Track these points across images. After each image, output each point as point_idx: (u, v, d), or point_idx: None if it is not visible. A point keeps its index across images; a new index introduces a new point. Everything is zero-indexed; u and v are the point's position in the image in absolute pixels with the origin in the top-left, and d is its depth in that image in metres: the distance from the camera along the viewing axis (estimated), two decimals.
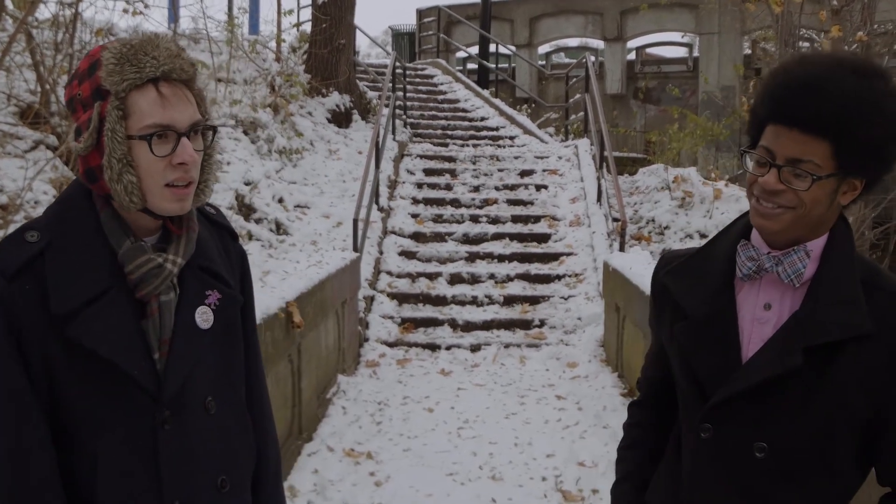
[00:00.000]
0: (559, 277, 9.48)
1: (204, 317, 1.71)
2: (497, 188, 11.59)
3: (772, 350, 1.68)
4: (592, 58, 14.54)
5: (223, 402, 1.77)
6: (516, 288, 9.36)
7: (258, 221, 9.13)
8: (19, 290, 1.54)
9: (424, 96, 16.68)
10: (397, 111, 13.46)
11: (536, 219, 10.79)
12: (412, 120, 14.91)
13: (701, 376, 1.76)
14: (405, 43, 25.61)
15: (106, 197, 1.63)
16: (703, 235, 9.77)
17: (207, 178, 1.72)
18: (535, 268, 9.72)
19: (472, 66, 21.28)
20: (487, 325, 8.73)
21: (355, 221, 8.61)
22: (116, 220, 1.63)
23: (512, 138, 14.58)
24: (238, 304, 1.82)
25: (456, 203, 11.19)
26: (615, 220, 9.79)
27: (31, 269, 1.55)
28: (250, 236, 8.66)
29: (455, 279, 9.50)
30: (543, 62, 23.99)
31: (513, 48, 21.48)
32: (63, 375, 1.57)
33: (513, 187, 11.64)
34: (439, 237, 10.34)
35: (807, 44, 15.56)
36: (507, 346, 8.34)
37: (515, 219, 10.78)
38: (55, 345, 1.55)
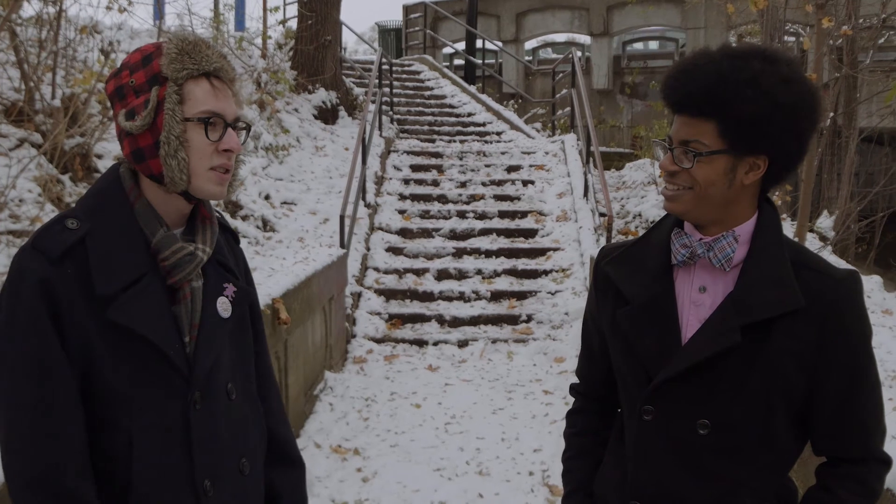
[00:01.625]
0: (546, 272, 9.50)
1: (224, 306, 1.83)
2: (484, 184, 11.60)
3: (710, 330, 1.76)
4: (579, 53, 14.55)
5: (240, 389, 1.88)
6: (503, 283, 9.37)
7: (244, 218, 9.11)
8: (62, 273, 1.62)
9: (411, 92, 16.66)
10: (384, 107, 13.45)
11: (523, 214, 10.80)
12: (399, 116, 14.90)
13: (643, 359, 1.83)
14: (392, 39, 25.58)
15: (139, 187, 1.76)
16: None
17: (237, 172, 1.86)
18: (523, 263, 9.73)
19: (458, 62, 21.25)
20: (475, 321, 8.74)
21: (342, 218, 8.60)
22: (150, 210, 1.74)
23: (499, 134, 14.58)
24: (250, 299, 1.95)
25: (443, 199, 11.19)
26: (602, 214, 9.81)
27: (73, 254, 1.64)
28: (236, 233, 8.64)
29: (442, 275, 9.50)
30: (530, 58, 24.01)
31: (499, 44, 21.50)
32: (101, 357, 1.64)
33: (500, 183, 11.64)
34: (426, 233, 10.34)
35: (792, 38, 15.62)
36: (494, 341, 8.35)
37: (502, 214, 10.79)
38: (94, 327, 1.64)
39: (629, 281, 1.89)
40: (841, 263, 7.44)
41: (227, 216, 8.67)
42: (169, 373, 1.71)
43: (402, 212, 10.76)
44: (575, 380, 2.19)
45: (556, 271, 9.45)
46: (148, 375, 1.69)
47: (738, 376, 1.73)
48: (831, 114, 12.35)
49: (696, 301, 1.81)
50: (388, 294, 9.15)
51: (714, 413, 1.76)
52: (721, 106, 1.69)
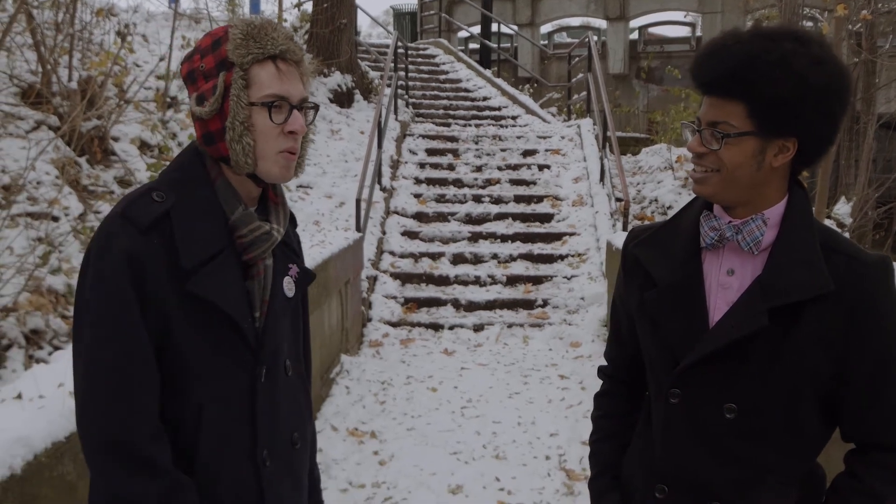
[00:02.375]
0: (562, 257, 9.47)
1: (289, 286, 1.87)
2: (500, 168, 11.57)
3: (738, 313, 1.74)
4: (595, 37, 14.47)
5: (295, 367, 1.94)
6: (519, 268, 9.35)
7: None
8: (149, 243, 1.66)
9: (426, 76, 16.62)
10: (399, 91, 13.40)
11: (539, 199, 10.77)
12: (414, 100, 14.86)
13: (671, 342, 1.82)
14: (407, 23, 25.53)
15: (219, 164, 1.79)
16: None
17: (303, 153, 1.87)
18: (538, 248, 9.72)
19: (474, 45, 21.18)
20: (490, 305, 8.73)
21: (358, 201, 8.60)
22: (230, 188, 1.79)
23: (514, 118, 14.53)
24: (310, 281, 1.99)
25: (458, 183, 11.17)
26: (618, 199, 9.77)
27: (159, 226, 1.68)
28: (294, 217, 8.65)
29: (458, 259, 9.49)
30: (546, 42, 23.91)
31: (515, 27, 21.39)
32: (178, 326, 1.68)
33: (515, 167, 11.62)
34: (442, 217, 10.33)
35: (810, 23, 15.51)
36: (510, 325, 8.34)
37: (518, 199, 10.76)
38: (174, 297, 1.67)
39: (658, 263, 1.88)
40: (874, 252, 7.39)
41: None
42: (240, 346, 1.76)
43: (417, 196, 10.75)
44: (597, 364, 2.18)
45: (572, 256, 9.43)
46: (221, 347, 1.74)
47: (765, 360, 1.72)
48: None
49: (724, 284, 1.79)
50: (404, 278, 9.15)
51: (740, 397, 1.74)
52: (750, 87, 1.66)
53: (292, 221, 2.04)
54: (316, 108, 1.87)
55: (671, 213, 2.07)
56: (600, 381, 2.19)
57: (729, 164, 1.71)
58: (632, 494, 1.97)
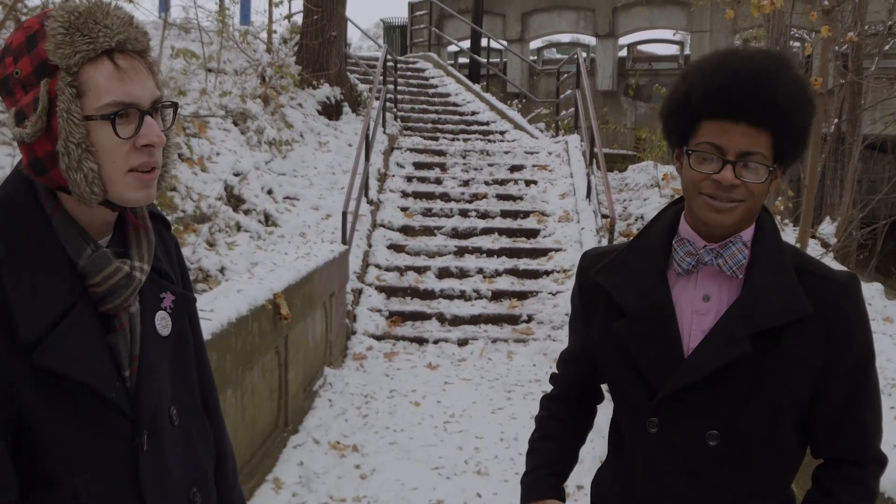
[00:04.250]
0: (547, 273, 9.49)
1: (163, 323, 1.56)
2: (487, 183, 11.58)
3: (718, 339, 1.73)
4: (584, 54, 14.53)
5: (183, 409, 1.65)
6: (504, 283, 9.36)
7: (247, 212, 9.11)
8: None
9: (415, 90, 16.65)
10: (388, 104, 13.42)
11: (525, 214, 10.79)
12: (403, 113, 14.88)
13: (644, 371, 1.80)
14: (397, 36, 25.55)
15: (55, 195, 1.45)
16: None
17: (167, 163, 1.52)
18: (524, 263, 9.72)
19: (463, 60, 21.22)
20: (475, 320, 8.73)
21: (344, 214, 8.60)
22: (71, 225, 1.44)
23: (502, 133, 14.57)
24: (191, 305, 1.68)
25: (445, 197, 11.17)
26: (604, 216, 9.80)
27: None
28: (239, 227, 8.63)
29: (443, 273, 9.49)
30: (535, 57, 23.97)
31: (504, 43, 21.45)
32: (34, 408, 1.38)
33: (502, 182, 11.63)
34: (428, 231, 10.33)
35: (797, 43, 15.61)
36: (494, 340, 8.34)
37: (505, 214, 10.78)
38: (22, 374, 1.36)
39: (624, 290, 1.84)
40: (841, 269, 7.42)
41: (230, 209, 8.67)
42: (111, 416, 1.46)
43: (404, 209, 10.75)
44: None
45: (558, 272, 9.44)
46: (88, 423, 1.44)
47: (747, 386, 1.72)
48: (836, 120, 12.33)
49: (700, 310, 1.78)
50: (389, 291, 9.14)
51: (723, 424, 1.74)
52: (787, 119, 1.65)
53: (164, 224, 1.70)
54: (174, 106, 1.51)
55: None
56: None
57: (757, 196, 1.70)
58: None
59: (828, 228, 11.41)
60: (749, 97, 1.64)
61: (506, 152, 12.68)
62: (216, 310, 4.32)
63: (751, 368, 1.71)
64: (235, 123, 10.60)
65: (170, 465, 1.57)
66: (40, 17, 1.40)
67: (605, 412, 2.03)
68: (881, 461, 1.79)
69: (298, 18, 14.02)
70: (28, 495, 1.41)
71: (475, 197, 11.16)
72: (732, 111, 1.65)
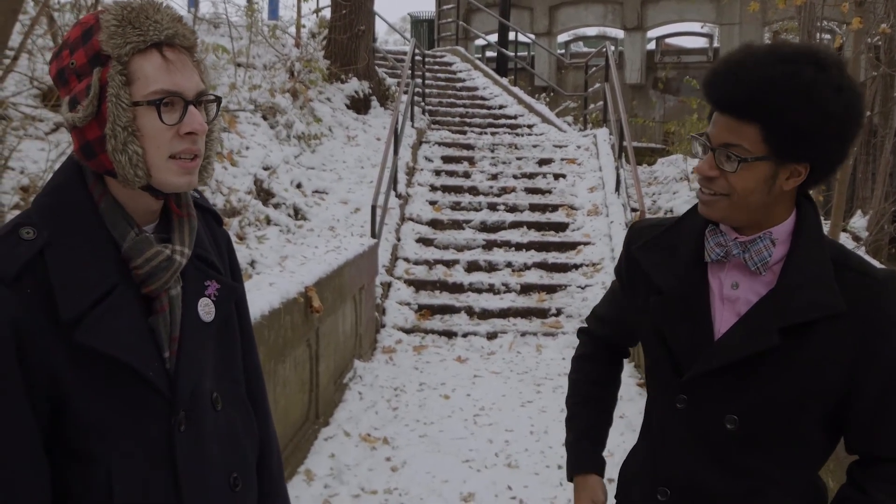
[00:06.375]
0: (576, 266, 9.47)
1: (206, 309, 1.61)
2: (515, 176, 11.58)
3: (748, 328, 1.74)
4: (612, 47, 14.48)
5: (227, 396, 1.69)
6: (533, 276, 9.36)
7: (276, 206, 9.15)
8: (20, 295, 1.39)
9: (443, 83, 16.65)
10: (416, 98, 13.43)
11: (554, 208, 10.77)
12: (430, 107, 14.88)
13: (675, 350, 1.82)
14: (424, 30, 25.57)
15: (103, 181, 1.52)
16: None
17: (209, 154, 1.60)
18: (553, 256, 9.72)
19: (490, 53, 21.19)
20: (504, 313, 8.74)
21: (373, 208, 8.62)
22: (118, 209, 1.51)
23: (530, 127, 14.53)
24: (236, 295, 1.71)
25: (474, 191, 11.18)
26: (633, 210, 9.76)
27: (31, 271, 1.41)
28: (269, 221, 8.68)
29: (472, 267, 9.50)
30: (563, 51, 23.91)
31: (532, 36, 21.41)
32: (72, 386, 1.43)
33: (531, 176, 11.62)
34: (457, 224, 10.34)
35: (828, 35, 15.47)
36: (523, 334, 8.34)
37: (533, 207, 10.77)
38: (62, 352, 1.41)
39: (661, 271, 1.87)
40: (881, 266, 7.36)
41: (260, 203, 8.71)
42: (149, 396, 1.50)
43: (432, 203, 10.76)
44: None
45: (587, 265, 9.42)
46: (126, 400, 1.48)
47: (772, 376, 1.72)
48: (868, 113, 12.23)
49: (730, 297, 1.79)
50: (418, 285, 9.16)
51: (743, 410, 1.75)
52: (769, 112, 1.64)
53: (216, 218, 1.78)
54: (218, 100, 1.61)
55: None
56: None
57: (740, 191, 1.69)
58: (631, 490, 2.00)
59: (859, 222, 11.31)
60: (719, 87, 1.69)
61: (534, 146, 12.66)
62: (249, 303, 4.35)
63: (777, 360, 1.71)
64: (265, 118, 10.65)
65: (210, 448, 1.60)
66: (96, 14, 1.49)
67: (636, 404, 2.04)
68: None
69: (327, 13, 14.10)
70: (63, 471, 1.46)
71: (504, 190, 11.16)
72: (715, 101, 1.71)
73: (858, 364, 1.70)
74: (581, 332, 2.21)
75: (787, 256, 1.75)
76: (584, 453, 2.08)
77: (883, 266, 1.80)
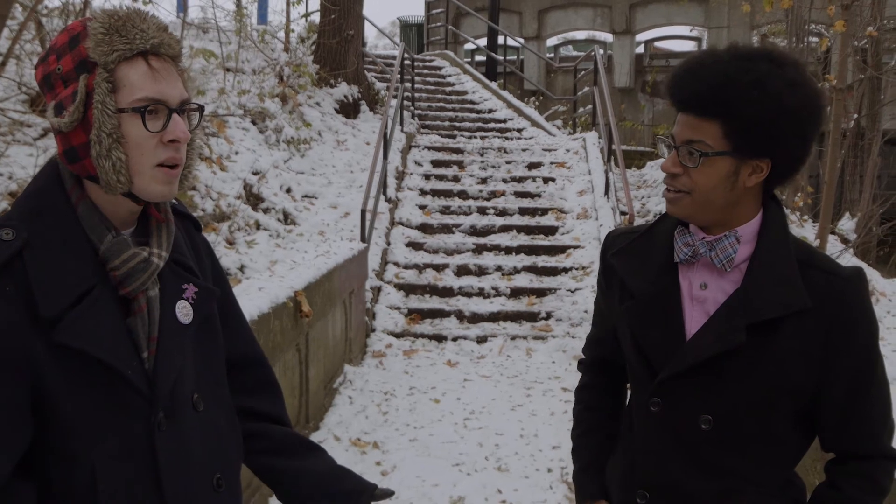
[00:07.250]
0: (566, 270, 9.49)
1: (184, 311, 1.64)
2: (505, 180, 11.59)
3: (716, 328, 1.77)
4: (601, 51, 14.51)
5: (209, 398, 1.70)
6: (523, 280, 9.37)
7: (266, 211, 9.14)
8: (1, 294, 1.43)
9: (432, 88, 16.66)
10: (405, 102, 13.44)
11: (544, 211, 10.79)
12: (420, 111, 14.89)
13: (648, 353, 1.86)
14: (413, 34, 25.57)
15: (81, 185, 1.56)
16: None
17: (190, 163, 1.64)
18: (542, 260, 9.73)
19: (480, 58, 21.19)
20: (494, 317, 8.74)
21: (363, 212, 8.62)
22: (95, 213, 1.54)
23: (520, 130, 14.56)
24: (215, 298, 1.73)
25: (463, 195, 11.19)
26: (623, 213, 9.78)
27: (10, 270, 1.44)
28: (258, 226, 8.67)
29: (462, 271, 9.51)
30: (552, 55, 23.94)
31: (521, 40, 21.44)
32: (52, 384, 1.46)
33: (520, 179, 11.64)
34: (447, 228, 10.35)
35: (816, 38, 15.54)
36: (513, 337, 8.35)
37: (523, 211, 10.79)
38: (42, 351, 1.45)
39: (634, 275, 1.91)
40: (861, 266, 7.40)
41: (249, 208, 8.71)
42: (128, 394, 1.53)
43: (422, 207, 10.77)
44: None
45: (576, 269, 9.44)
46: (105, 399, 1.51)
47: (741, 374, 1.75)
48: (855, 116, 12.28)
49: (699, 297, 1.82)
50: (408, 289, 9.16)
51: (716, 409, 1.78)
52: (726, 107, 1.69)
53: (195, 225, 1.83)
54: (201, 109, 1.64)
55: None
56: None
57: (702, 187, 1.74)
58: (612, 495, 2.02)
59: (847, 224, 11.36)
60: (679, 86, 1.75)
61: (523, 150, 12.67)
62: None
63: (746, 359, 1.74)
64: (254, 122, 10.64)
65: (191, 449, 1.63)
66: (84, 21, 1.53)
67: None
68: (891, 456, 1.80)
69: (316, 17, 14.08)
70: (48, 471, 1.49)
71: (493, 194, 11.17)
72: (675, 100, 1.77)
73: (826, 362, 1.73)
74: (579, 364, 2.24)
75: (753, 255, 1.79)
76: (589, 482, 2.10)
77: (851, 265, 1.82)
